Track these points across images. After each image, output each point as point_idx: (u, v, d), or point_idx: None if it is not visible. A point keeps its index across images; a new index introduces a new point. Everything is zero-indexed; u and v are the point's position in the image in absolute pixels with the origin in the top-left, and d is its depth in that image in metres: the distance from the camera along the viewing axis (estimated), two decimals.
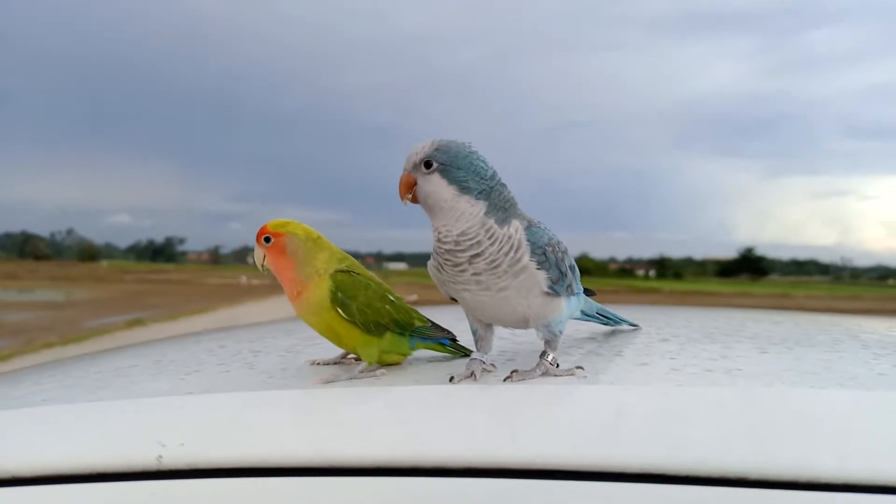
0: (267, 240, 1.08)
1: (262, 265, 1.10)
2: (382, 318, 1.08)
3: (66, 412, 0.94)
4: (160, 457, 0.78)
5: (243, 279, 51.06)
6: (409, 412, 0.90)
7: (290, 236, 1.08)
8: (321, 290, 1.07)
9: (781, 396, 0.86)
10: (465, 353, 1.18)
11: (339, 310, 1.06)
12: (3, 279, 44.62)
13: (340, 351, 1.17)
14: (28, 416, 0.94)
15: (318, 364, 1.15)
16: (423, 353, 1.17)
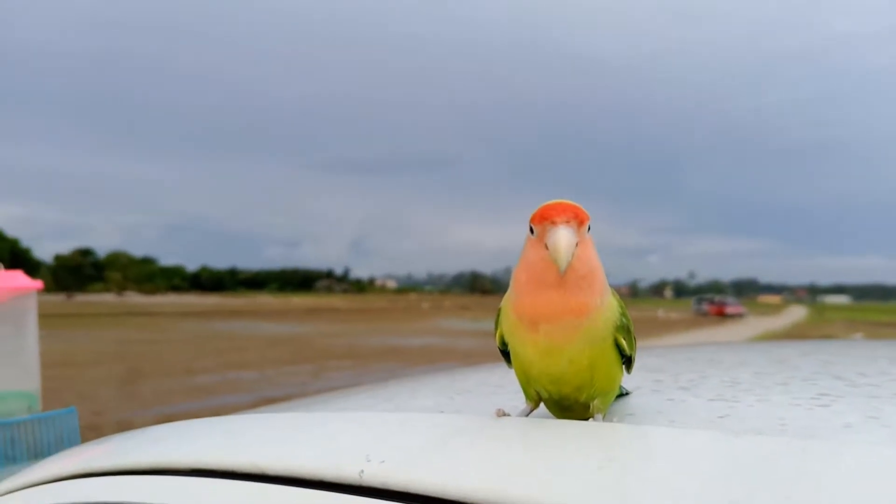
0: (589, 228, 0.70)
1: (567, 263, 0.66)
2: (634, 349, 0.77)
3: (308, 420, 0.96)
4: (362, 472, 0.69)
5: (660, 313, 50.40)
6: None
7: None
8: (611, 311, 0.72)
9: None
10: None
11: (622, 338, 0.73)
12: (459, 310, 53.43)
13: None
14: (283, 421, 0.97)
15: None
16: None
